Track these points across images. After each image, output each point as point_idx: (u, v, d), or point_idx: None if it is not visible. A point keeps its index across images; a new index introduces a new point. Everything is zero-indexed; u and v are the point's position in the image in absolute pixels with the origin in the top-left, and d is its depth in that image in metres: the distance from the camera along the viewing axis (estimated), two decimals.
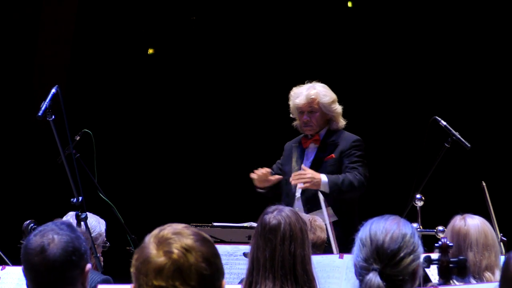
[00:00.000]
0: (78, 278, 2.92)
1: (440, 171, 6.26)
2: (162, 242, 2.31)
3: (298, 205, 5.97)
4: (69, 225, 3.02)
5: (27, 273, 2.94)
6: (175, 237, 2.31)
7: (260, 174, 6.12)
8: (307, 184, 5.81)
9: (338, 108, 6.16)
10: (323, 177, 5.82)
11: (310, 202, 5.95)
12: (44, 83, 8.86)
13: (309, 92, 6.12)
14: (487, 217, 4.73)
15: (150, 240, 2.34)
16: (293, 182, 5.86)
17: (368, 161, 6.22)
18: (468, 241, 4.03)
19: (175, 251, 2.28)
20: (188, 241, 2.31)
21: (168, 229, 2.35)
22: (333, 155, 6.06)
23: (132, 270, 2.33)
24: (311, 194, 5.95)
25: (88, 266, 2.95)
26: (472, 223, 4.09)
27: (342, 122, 6.17)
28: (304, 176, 5.81)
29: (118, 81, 9.72)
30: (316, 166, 6.02)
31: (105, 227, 5.19)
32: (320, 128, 6.14)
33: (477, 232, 4.06)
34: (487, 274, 3.97)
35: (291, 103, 6.20)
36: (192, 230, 2.36)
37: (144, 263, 2.30)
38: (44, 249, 2.89)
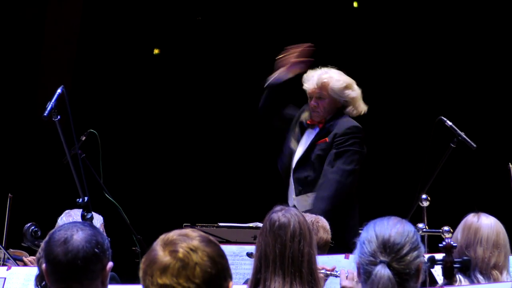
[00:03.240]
0: (99, 275, 2.93)
1: (446, 172, 6.25)
2: (168, 244, 2.34)
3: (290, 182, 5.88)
4: (92, 224, 3.10)
5: (49, 267, 2.94)
6: (181, 238, 2.35)
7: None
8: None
9: (353, 93, 5.94)
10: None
11: (302, 184, 5.84)
12: (49, 83, 8.87)
13: (320, 77, 5.92)
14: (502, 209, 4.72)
15: (157, 243, 2.38)
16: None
17: (374, 161, 6.20)
18: (478, 236, 4.01)
19: (180, 250, 2.31)
20: (194, 242, 2.34)
21: (175, 232, 2.39)
22: (326, 138, 5.84)
23: (140, 273, 2.35)
24: (303, 176, 5.86)
25: (110, 264, 2.96)
26: (485, 221, 4.07)
27: (361, 107, 5.97)
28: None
29: (124, 82, 9.73)
30: (309, 149, 5.87)
31: (101, 221, 5.17)
32: (328, 115, 5.90)
33: (489, 229, 4.04)
34: (495, 272, 3.96)
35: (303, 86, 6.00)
36: (198, 232, 2.39)
37: (150, 264, 2.33)
38: (67, 240, 2.92)
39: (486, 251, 3.98)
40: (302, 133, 6.01)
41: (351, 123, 5.89)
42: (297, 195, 5.78)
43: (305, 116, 6.07)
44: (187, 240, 2.34)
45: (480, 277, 3.94)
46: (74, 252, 2.90)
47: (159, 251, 2.33)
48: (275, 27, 9.64)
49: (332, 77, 5.93)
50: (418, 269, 2.92)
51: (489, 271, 3.96)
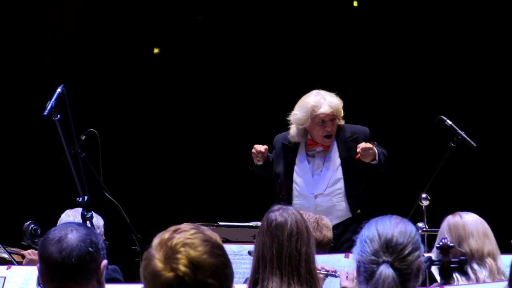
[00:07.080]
0: (94, 273, 2.93)
1: (446, 171, 6.25)
2: (169, 256, 2.27)
3: (314, 203, 5.92)
4: (86, 226, 3.13)
5: (43, 266, 2.95)
6: (183, 250, 2.28)
7: (258, 152, 6.06)
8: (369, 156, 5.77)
9: None
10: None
11: (357, 203, 5.95)
12: (49, 83, 8.88)
13: (332, 100, 5.94)
14: None
15: (157, 249, 2.31)
16: (362, 152, 5.77)
17: None
18: (468, 230, 4.06)
19: (183, 268, 2.25)
20: (197, 254, 2.28)
21: (177, 238, 2.30)
22: (358, 155, 5.91)
23: (141, 276, 2.32)
24: (355, 195, 5.94)
25: (104, 262, 2.96)
26: (467, 216, 4.14)
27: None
28: (370, 148, 5.76)
29: (124, 81, 9.73)
30: (348, 166, 5.94)
31: (102, 223, 5.17)
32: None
33: (474, 222, 4.10)
34: (489, 260, 3.99)
35: (302, 113, 5.95)
36: (201, 238, 2.31)
37: (152, 276, 2.27)
38: (62, 239, 2.93)
39: (478, 241, 4.03)
40: (292, 157, 6.08)
41: (363, 128, 6.07)
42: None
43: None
44: (189, 251, 2.27)
45: (476, 267, 3.97)
46: (68, 251, 2.90)
47: (159, 263, 2.27)
48: (275, 26, 9.64)
49: (335, 99, 5.95)
50: (418, 269, 2.92)
51: (484, 260, 4.00)
